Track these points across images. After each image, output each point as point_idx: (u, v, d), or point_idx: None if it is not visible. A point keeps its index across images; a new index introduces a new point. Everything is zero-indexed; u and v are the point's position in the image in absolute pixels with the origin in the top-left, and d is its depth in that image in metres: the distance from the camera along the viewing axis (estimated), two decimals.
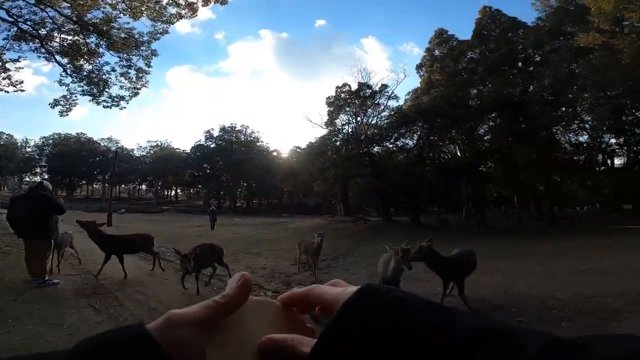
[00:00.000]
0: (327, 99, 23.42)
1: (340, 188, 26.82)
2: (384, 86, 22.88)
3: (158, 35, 12.00)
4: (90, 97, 12.06)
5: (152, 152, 69.11)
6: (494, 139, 24.17)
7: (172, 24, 12.01)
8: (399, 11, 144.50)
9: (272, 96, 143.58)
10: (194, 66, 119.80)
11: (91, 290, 5.14)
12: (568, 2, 21.80)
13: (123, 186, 73.44)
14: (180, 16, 11.90)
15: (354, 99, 22.43)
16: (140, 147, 71.23)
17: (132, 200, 66.40)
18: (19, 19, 10.72)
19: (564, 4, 21.82)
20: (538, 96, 21.67)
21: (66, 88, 11.82)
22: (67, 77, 11.65)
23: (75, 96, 11.87)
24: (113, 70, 11.89)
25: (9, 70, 10.94)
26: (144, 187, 76.81)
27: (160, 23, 11.90)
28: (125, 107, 12.29)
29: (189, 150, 65.29)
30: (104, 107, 11.98)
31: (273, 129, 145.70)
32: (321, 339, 0.30)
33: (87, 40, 11.07)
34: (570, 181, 32.24)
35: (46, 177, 65.78)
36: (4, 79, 11.05)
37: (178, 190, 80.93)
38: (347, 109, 23.46)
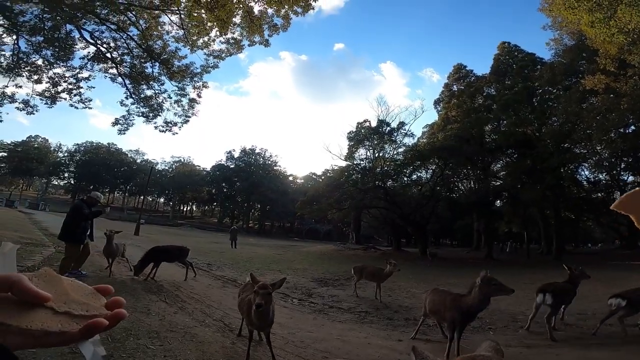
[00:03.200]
0: (348, 133, 25.05)
1: (354, 217, 27.76)
2: (402, 124, 24.34)
3: (209, 68, 13.58)
4: (144, 119, 13.68)
5: (174, 166, 72.02)
6: (507, 175, 24.65)
7: (223, 59, 13.59)
8: (417, 40, 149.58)
9: (289, 118, 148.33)
10: (216, 83, 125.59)
11: (155, 289, 6.33)
12: (582, 41, 20.09)
13: (142, 197, 76.11)
14: (230, 53, 13.54)
15: (373, 134, 23.85)
16: (164, 161, 74.39)
17: (150, 211, 68.57)
18: (97, 42, 12.55)
19: (578, 42, 21.14)
20: (550, 135, 22.01)
21: (126, 109, 13.48)
22: (129, 98, 13.33)
23: (133, 117, 13.51)
24: (169, 97, 13.48)
25: (81, 87, 12.69)
26: (162, 200, 79.37)
27: (211, 57, 13.58)
28: (177, 133, 13.87)
29: (209, 169, 67.83)
30: (159, 131, 13.54)
31: (289, 151, 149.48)
32: None
33: (153, 68, 12.83)
34: (585, 218, 32.26)
35: (72, 182, 69.22)
36: (75, 95, 12.78)
37: (194, 207, 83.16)
38: (367, 143, 24.78)
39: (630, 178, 29.75)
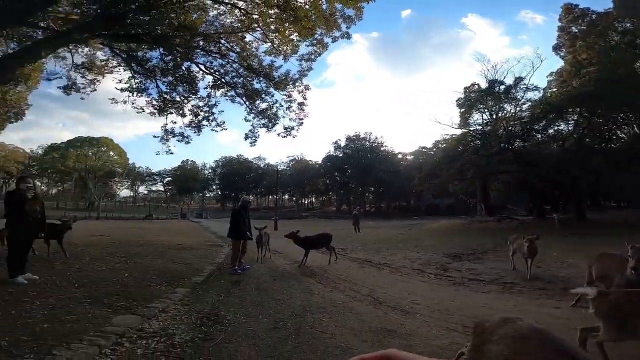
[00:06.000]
0: (457, 100, 23.25)
1: (480, 187, 25.46)
2: (519, 79, 21.14)
3: (306, 72, 14.57)
4: (266, 130, 15.74)
5: (290, 165, 79.60)
6: None
7: (314, 61, 14.51)
8: None
9: (381, 98, 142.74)
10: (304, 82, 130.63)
11: (309, 273, 7.58)
12: None
13: (270, 197, 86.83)
14: (318, 53, 14.32)
15: (486, 97, 21.50)
16: (282, 162, 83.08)
17: (279, 208, 77.70)
18: (211, 71, 14.94)
19: None
20: None
21: (250, 124, 15.54)
22: (250, 114, 15.31)
23: (257, 130, 15.74)
24: (281, 106, 15.00)
25: (214, 113, 15.30)
26: (286, 196, 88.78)
27: (304, 62, 14.60)
28: (297, 136, 15.55)
29: (321, 162, 72.29)
30: (282, 137, 15.43)
31: (390, 130, 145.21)
32: None
33: (260, 84, 14.70)
34: None
35: (219, 192, 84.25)
36: (212, 121, 15.54)
37: (313, 199, 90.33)
38: (480, 107, 22.67)
39: None
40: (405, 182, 58.06)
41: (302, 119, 14.92)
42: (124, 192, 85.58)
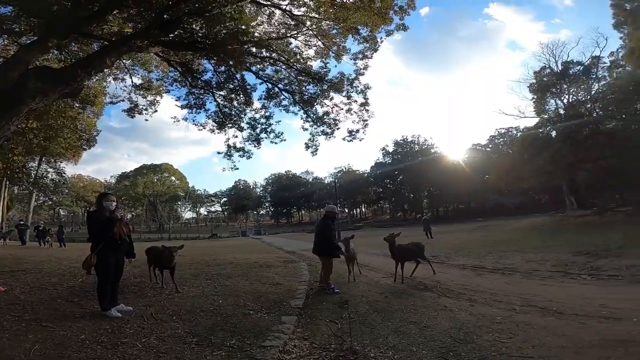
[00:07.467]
0: (529, 86, 21.11)
1: (568, 179, 22.37)
2: (597, 58, 19.01)
3: (362, 70, 13.27)
4: (325, 137, 14.65)
5: (338, 176, 78.78)
6: None
7: (369, 58, 13.02)
8: None
9: (419, 100, 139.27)
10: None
11: (421, 286, 6.49)
12: None
13: (321, 210, 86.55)
14: (374, 49, 12.90)
15: (560, 80, 19.29)
16: (330, 173, 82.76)
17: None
18: (264, 78, 13.84)
19: None
20: None
21: (309, 132, 14.55)
22: (306, 122, 14.32)
23: (316, 137, 14.50)
24: (340, 109, 13.82)
25: (271, 124, 14.58)
26: (337, 208, 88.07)
27: (358, 60, 13.35)
28: (363, 138, 14.28)
29: (369, 170, 70.64)
30: (347, 141, 14.13)
31: (438, 130, 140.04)
32: None
33: (316, 88, 13.53)
34: None
35: (272, 209, 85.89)
36: (270, 132, 14.61)
37: (363, 208, 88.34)
38: (553, 91, 20.41)
39: None
40: (460, 183, 54.19)
41: (366, 120, 13.89)
42: (187, 214, 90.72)
